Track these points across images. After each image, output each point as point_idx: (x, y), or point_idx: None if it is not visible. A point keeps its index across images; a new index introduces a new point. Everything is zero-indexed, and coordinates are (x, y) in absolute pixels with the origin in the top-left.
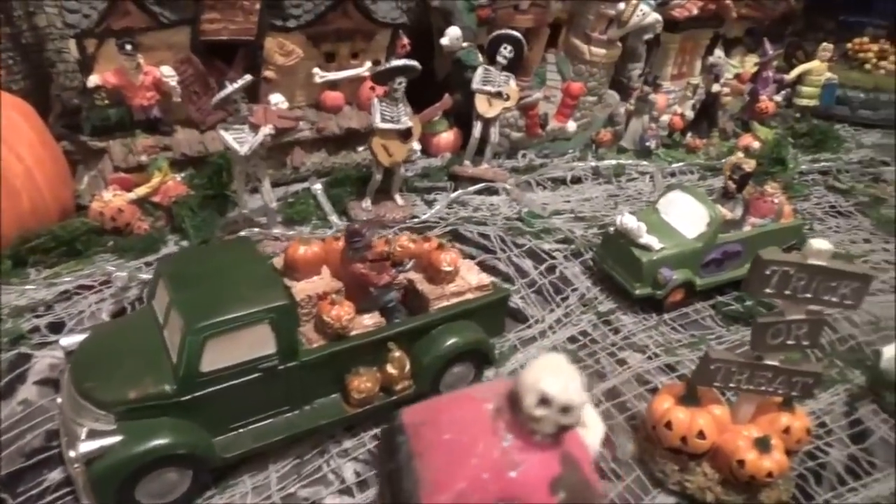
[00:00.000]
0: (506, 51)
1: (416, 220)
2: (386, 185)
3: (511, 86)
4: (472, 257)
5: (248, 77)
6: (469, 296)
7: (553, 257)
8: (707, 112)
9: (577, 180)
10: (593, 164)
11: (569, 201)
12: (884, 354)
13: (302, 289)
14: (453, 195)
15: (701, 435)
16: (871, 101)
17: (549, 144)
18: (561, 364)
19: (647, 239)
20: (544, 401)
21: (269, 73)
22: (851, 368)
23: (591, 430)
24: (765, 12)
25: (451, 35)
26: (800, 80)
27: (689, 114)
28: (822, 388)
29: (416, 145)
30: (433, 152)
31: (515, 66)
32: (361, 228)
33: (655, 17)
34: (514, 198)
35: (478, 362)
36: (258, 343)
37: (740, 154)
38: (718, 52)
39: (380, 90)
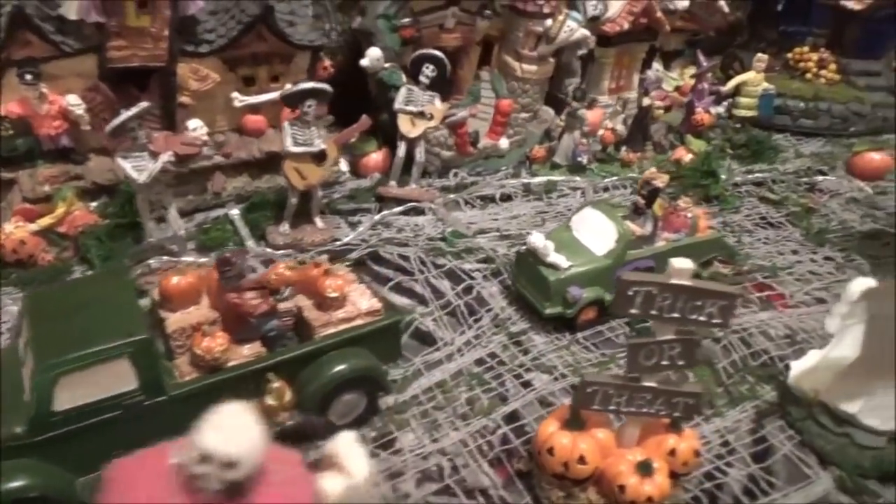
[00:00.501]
0: (428, 70)
1: (337, 242)
2: (306, 208)
3: (436, 105)
4: (388, 280)
5: (143, 104)
6: (359, 321)
7: (472, 277)
8: (640, 126)
9: (507, 198)
10: (525, 180)
11: (496, 219)
12: (793, 369)
13: (175, 320)
14: (377, 217)
15: (582, 460)
16: (810, 111)
17: (483, 162)
18: (232, 416)
19: (554, 257)
20: (205, 457)
21: (184, 99)
22: (763, 384)
23: (351, 475)
24: (701, 24)
25: (371, 56)
26: (738, 91)
27: (621, 128)
28: (730, 405)
29: (345, 166)
30: (362, 173)
31: (445, 85)
32: (231, 257)
33: (583, 32)
34: (440, 217)
35: (370, 390)
36: (117, 379)
37: (652, 169)
38: (657, 66)
39: (291, 114)
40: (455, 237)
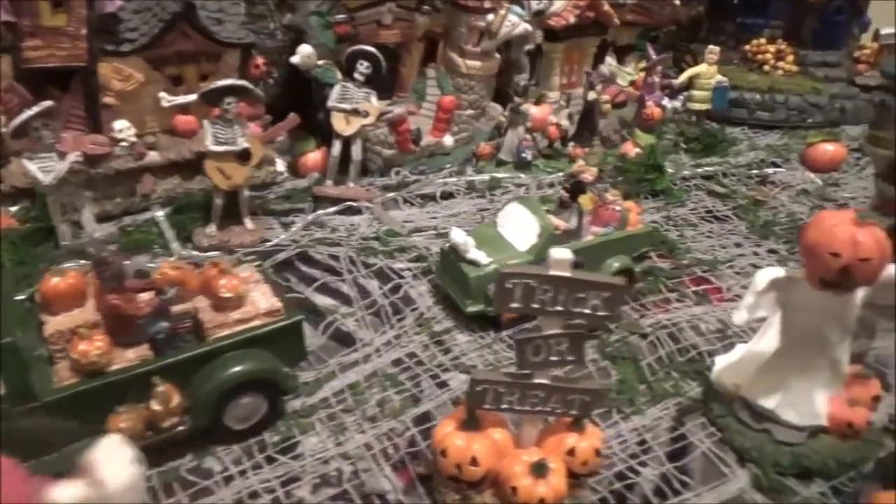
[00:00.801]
0: (362, 66)
1: (268, 244)
2: (235, 209)
3: (372, 102)
4: (315, 280)
5: (46, 103)
6: (257, 322)
7: (402, 276)
8: (587, 121)
9: (448, 196)
10: (468, 178)
11: (435, 217)
12: (716, 364)
13: (53, 324)
14: (310, 217)
15: (474, 462)
16: (767, 103)
17: (427, 160)
18: None
19: (474, 254)
20: None
21: (108, 100)
22: (688, 380)
23: (101, 484)
24: (654, 18)
25: (302, 53)
26: (691, 84)
27: (566, 123)
28: (652, 402)
29: (281, 166)
30: (301, 173)
31: (381, 82)
32: (108, 257)
33: (525, 27)
34: (376, 216)
35: (270, 393)
36: None
37: (581, 162)
38: (610, 61)
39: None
40: (389, 236)
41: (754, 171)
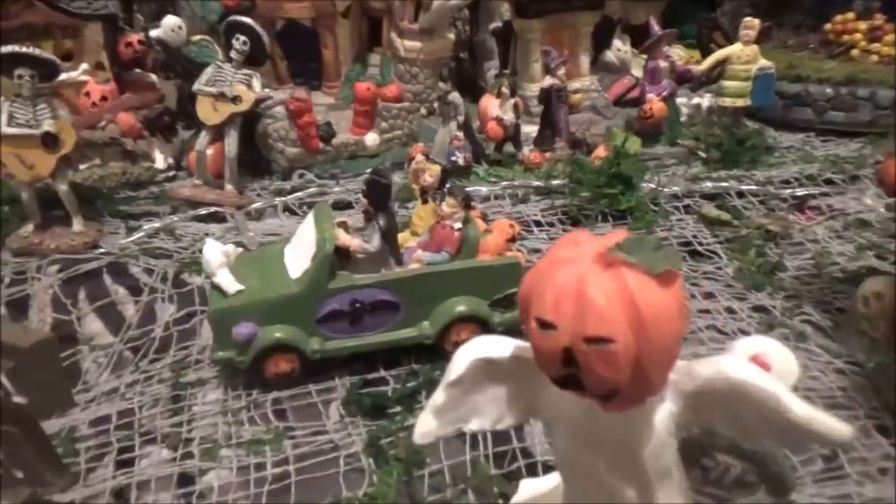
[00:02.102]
0: (238, 42)
1: (98, 251)
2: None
3: (254, 86)
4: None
5: None
6: None
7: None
8: (547, 116)
9: (346, 205)
10: None
11: None
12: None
13: None
14: (158, 223)
15: None
16: (843, 100)
17: (347, 163)
18: None
19: (221, 277)
20: None
21: None
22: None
23: None
24: None
25: (167, 25)
26: (722, 72)
27: (510, 117)
28: None
29: (161, 163)
30: (191, 171)
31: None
32: None
33: None
34: (236, 225)
35: None
36: None
37: (419, 157)
38: (619, 44)
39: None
40: None
41: (789, 192)
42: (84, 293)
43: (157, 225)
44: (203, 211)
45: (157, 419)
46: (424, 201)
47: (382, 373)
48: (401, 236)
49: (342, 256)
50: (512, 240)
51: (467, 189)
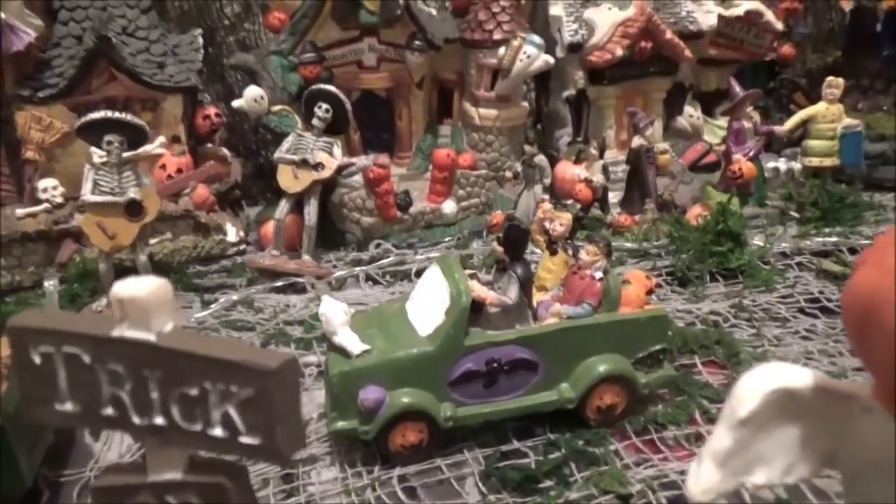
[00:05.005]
0: (321, 110)
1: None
2: None
3: (335, 154)
4: None
5: None
6: None
7: (302, 374)
8: (635, 177)
9: None
10: (464, 253)
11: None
12: None
13: None
14: (236, 296)
15: None
16: None
17: (423, 232)
18: None
19: (343, 336)
20: None
21: (29, 154)
22: None
23: None
24: (745, 52)
25: (249, 96)
26: (806, 132)
27: (599, 179)
28: None
29: (233, 236)
30: (263, 244)
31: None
32: None
33: (546, 59)
34: (318, 295)
35: None
36: None
37: (546, 205)
38: (690, 110)
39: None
40: (316, 320)
41: None
42: None
43: (234, 297)
44: (280, 282)
45: (270, 500)
46: (553, 252)
47: (516, 444)
48: None
49: (472, 312)
50: (650, 292)
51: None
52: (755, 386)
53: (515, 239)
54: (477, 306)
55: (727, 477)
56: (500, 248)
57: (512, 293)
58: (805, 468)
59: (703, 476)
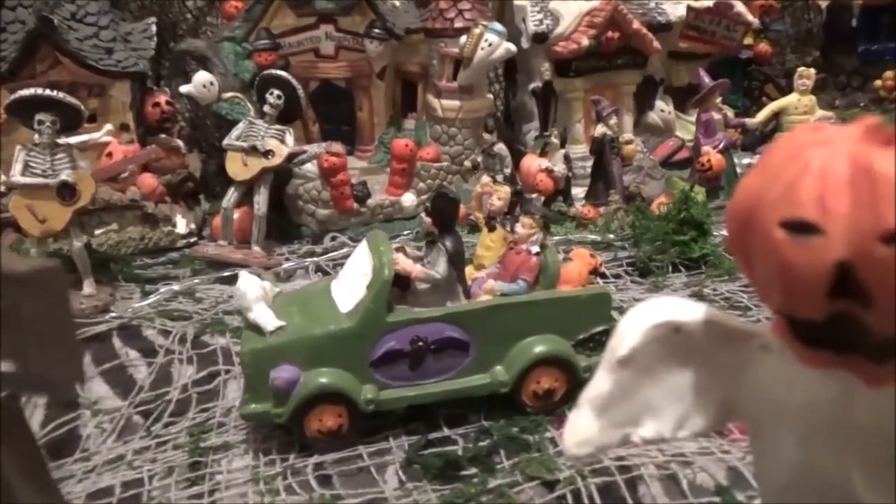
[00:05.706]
0: (272, 97)
1: (110, 314)
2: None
3: (287, 141)
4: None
5: None
6: None
7: (233, 363)
8: (599, 167)
9: None
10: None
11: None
12: None
13: None
14: (177, 286)
15: None
16: None
17: (381, 226)
18: None
19: (258, 313)
20: None
21: None
22: None
23: None
24: (717, 44)
25: (198, 81)
26: (778, 125)
27: (561, 169)
28: None
29: (182, 227)
30: (215, 236)
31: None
32: None
33: (508, 47)
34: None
35: None
36: None
37: (485, 179)
38: (661, 105)
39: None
40: None
41: None
42: (89, 356)
43: (175, 287)
44: (227, 273)
45: (171, 490)
46: (491, 228)
47: (447, 431)
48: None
49: (399, 289)
50: (594, 272)
51: None
52: (637, 321)
53: (443, 208)
54: (404, 282)
55: (607, 427)
56: (428, 220)
57: (440, 267)
58: (701, 420)
59: (578, 425)
